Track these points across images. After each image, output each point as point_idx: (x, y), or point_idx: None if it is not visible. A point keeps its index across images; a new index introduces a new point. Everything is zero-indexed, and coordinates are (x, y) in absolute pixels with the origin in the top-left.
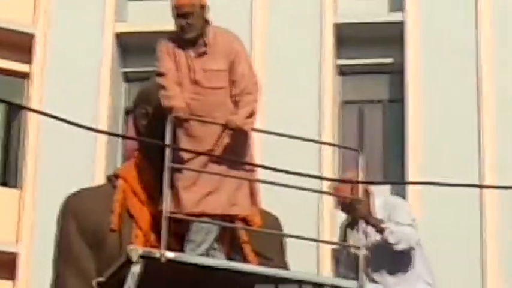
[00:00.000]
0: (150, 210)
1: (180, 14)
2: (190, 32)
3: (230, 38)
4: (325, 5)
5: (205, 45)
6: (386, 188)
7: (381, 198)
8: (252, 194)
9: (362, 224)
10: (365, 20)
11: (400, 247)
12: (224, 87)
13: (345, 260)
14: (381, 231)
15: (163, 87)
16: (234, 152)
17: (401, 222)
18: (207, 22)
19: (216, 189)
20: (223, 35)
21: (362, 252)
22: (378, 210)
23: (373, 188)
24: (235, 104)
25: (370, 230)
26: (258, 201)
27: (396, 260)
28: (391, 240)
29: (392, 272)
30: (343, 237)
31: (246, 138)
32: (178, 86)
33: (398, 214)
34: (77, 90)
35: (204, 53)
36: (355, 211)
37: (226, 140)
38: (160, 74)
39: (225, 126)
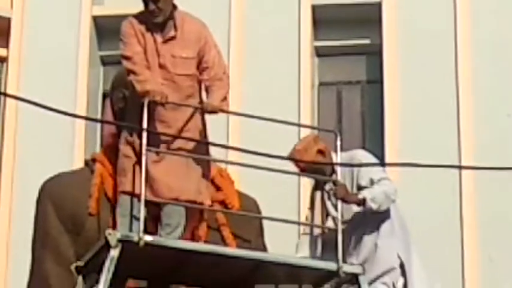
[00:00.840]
0: None
1: None
2: (159, 16)
3: (198, 25)
4: None
5: (175, 29)
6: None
7: (345, 153)
8: (208, 185)
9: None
10: (342, 2)
11: (383, 208)
12: (192, 75)
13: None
14: (362, 203)
15: (132, 71)
16: (199, 137)
17: (375, 178)
18: (174, 7)
19: (185, 176)
20: (191, 21)
21: (339, 233)
22: (346, 161)
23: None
24: (206, 89)
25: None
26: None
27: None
28: (374, 206)
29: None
30: (312, 204)
31: (205, 126)
32: (148, 70)
33: (369, 169)
34: (54, 74)
35: (173, 37)
36: (335, 193)
37: (192, 126)
38: (127, 58)
39: (203, 110)
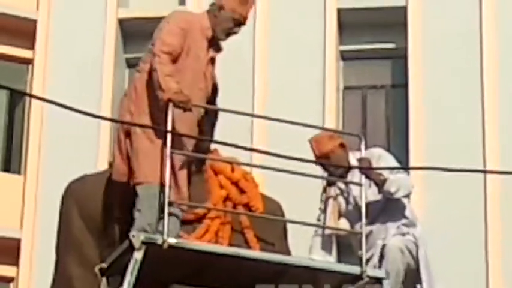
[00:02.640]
0: None
1: (241, 23)
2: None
3: None
4: None
5: (219, 50)
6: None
7: (365, 150)
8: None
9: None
10: (368, 5)
11: (400, 194)
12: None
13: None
14: (382, 183)
15: (162, 60)
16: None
17: (394, 171)
18: None
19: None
20: None
21: (363, 237)
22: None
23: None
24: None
25: (350, 187)
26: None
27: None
28: (392, 189)
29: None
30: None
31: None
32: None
33: (388, 163)
34: (79, 76)
35: (214, 58)
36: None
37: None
38: (166, 43)
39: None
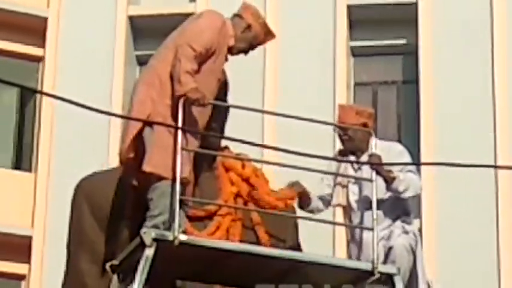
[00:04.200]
0: None
1: (253, 48)
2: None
3: None
4: None
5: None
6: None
7: (384, 142)
8: None
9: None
10: (378, 2)
11: (408, 194)
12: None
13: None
14: (391, 180)
15: (189, 57)
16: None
17: (407, 168)
18: None
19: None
20: None
21: (375, 233)
22: (381, 152)
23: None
24: None
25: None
26: None
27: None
28: (401, 188)
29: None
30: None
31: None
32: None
33: (404, 161)
34: (90, 74)
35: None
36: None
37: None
38: (194, 48)
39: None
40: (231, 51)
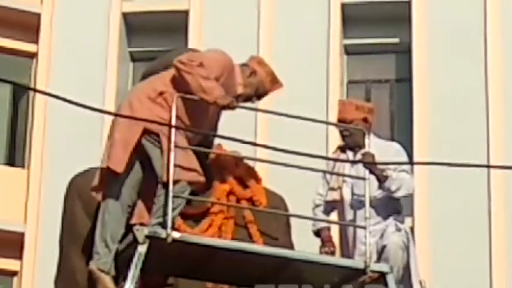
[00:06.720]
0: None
1: (260, 97)
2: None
3: None
4: None
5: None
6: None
7: (382, 141)
8: None
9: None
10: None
11: (400, 194)
12: None
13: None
14: (384, 179)
15: (203, 78)
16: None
17: (401, 168)
18: None
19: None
20: None
21: (368, 231)
22: (379, 151)
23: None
24: None
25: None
26: None
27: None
28: (393, 187)
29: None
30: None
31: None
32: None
33: (400, 160)
34: (83, 70)
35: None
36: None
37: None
38: (205, 77)
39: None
40: (238, 99)
